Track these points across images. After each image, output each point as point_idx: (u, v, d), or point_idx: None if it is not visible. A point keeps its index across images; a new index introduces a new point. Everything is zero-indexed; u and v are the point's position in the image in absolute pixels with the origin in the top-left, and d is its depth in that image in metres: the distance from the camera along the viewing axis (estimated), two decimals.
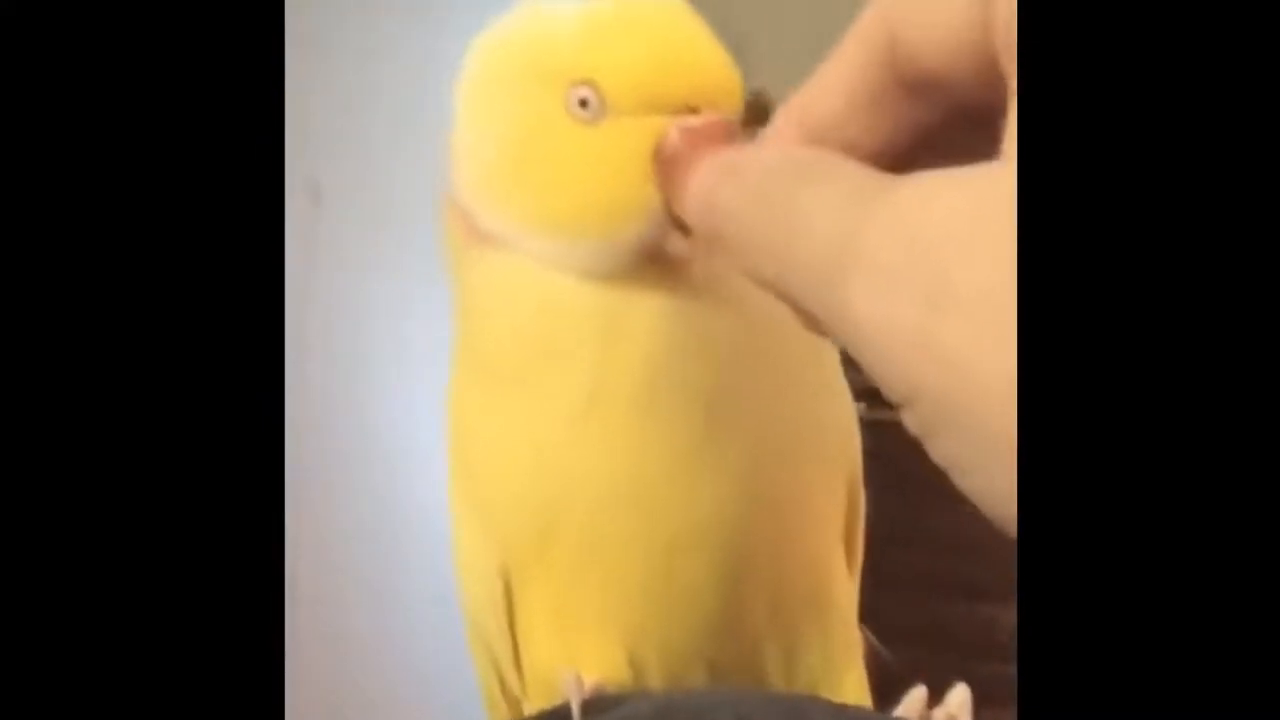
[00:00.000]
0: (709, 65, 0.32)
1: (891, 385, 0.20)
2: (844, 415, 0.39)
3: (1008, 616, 1.38)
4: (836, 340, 0.21)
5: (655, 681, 0.37)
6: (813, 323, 0.22)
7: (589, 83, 0.31)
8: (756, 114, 0.32)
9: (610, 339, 0.33)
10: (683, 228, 0.31)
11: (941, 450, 0.20)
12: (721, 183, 0.24)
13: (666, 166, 0.31)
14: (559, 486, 0.35)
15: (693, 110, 0.31)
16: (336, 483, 1.76)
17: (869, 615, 0.42)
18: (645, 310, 0.33)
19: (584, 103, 0.31)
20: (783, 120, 0.25)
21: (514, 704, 0.41)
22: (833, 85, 0.24)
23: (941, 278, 0.19)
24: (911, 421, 0.20)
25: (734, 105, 0.32)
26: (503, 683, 0.41)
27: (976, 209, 0.19)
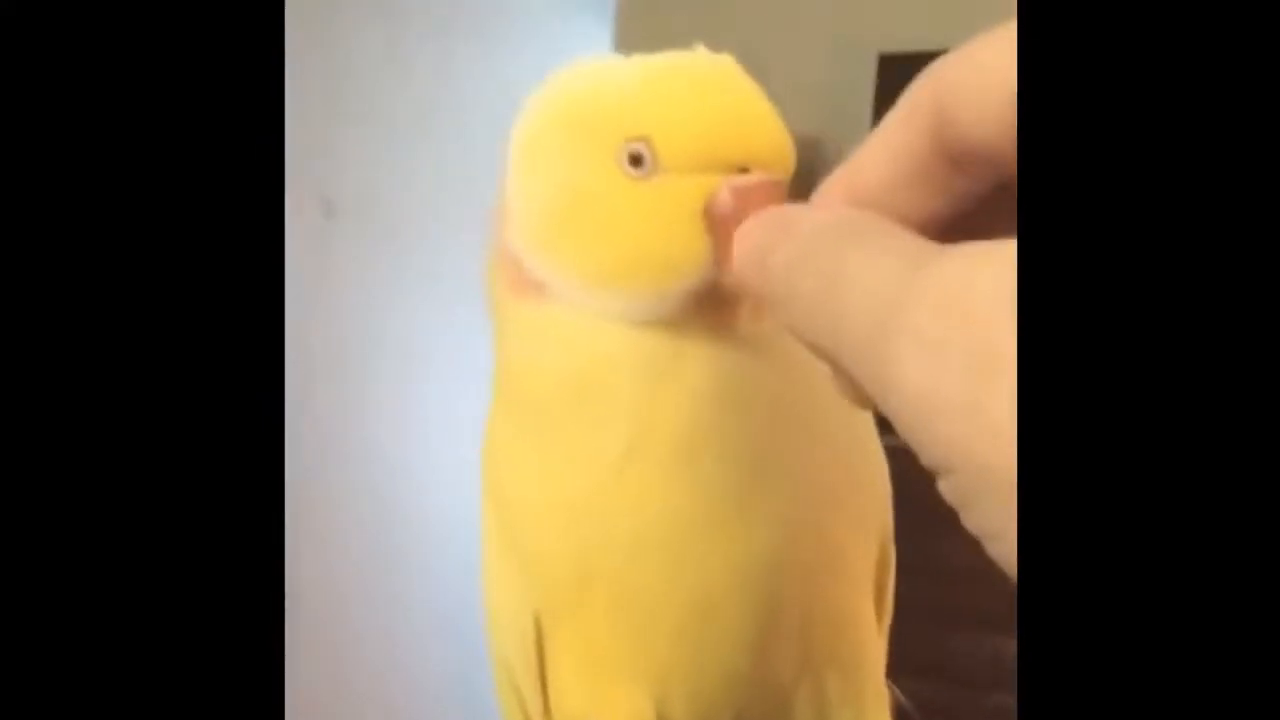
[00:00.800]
0: (761, 125, 0.32)
1: (933, 453, 0.20)
2: (878, 474, 0.39)
3: (1014, 647, 1.38)
4: (880, 407, 0.21)
5: None
6: (855, 388, 0.22)
7: (642, 139, 0.32)
8: (805, 154, 0.32)
9: (653, 389, 0.33)
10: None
11: (977, 520, 0.20)
12: (773, 241, 0.24)
13: (717, 225, 0.31)
14: (594, 535, 0.35)
15: (743, 170, 0.31)
16: (340, 494, 1.77)
17: None
18: (690, 361, 0.33)
19: (637, 159, 0.32)
20: (830, 187, 0.25)
21: None
22: (881, 154, 0.24)
23: (988, 347, 0.19)
24: (949, 489, 0.20)
25: (785, 165, 0.32)
26: None
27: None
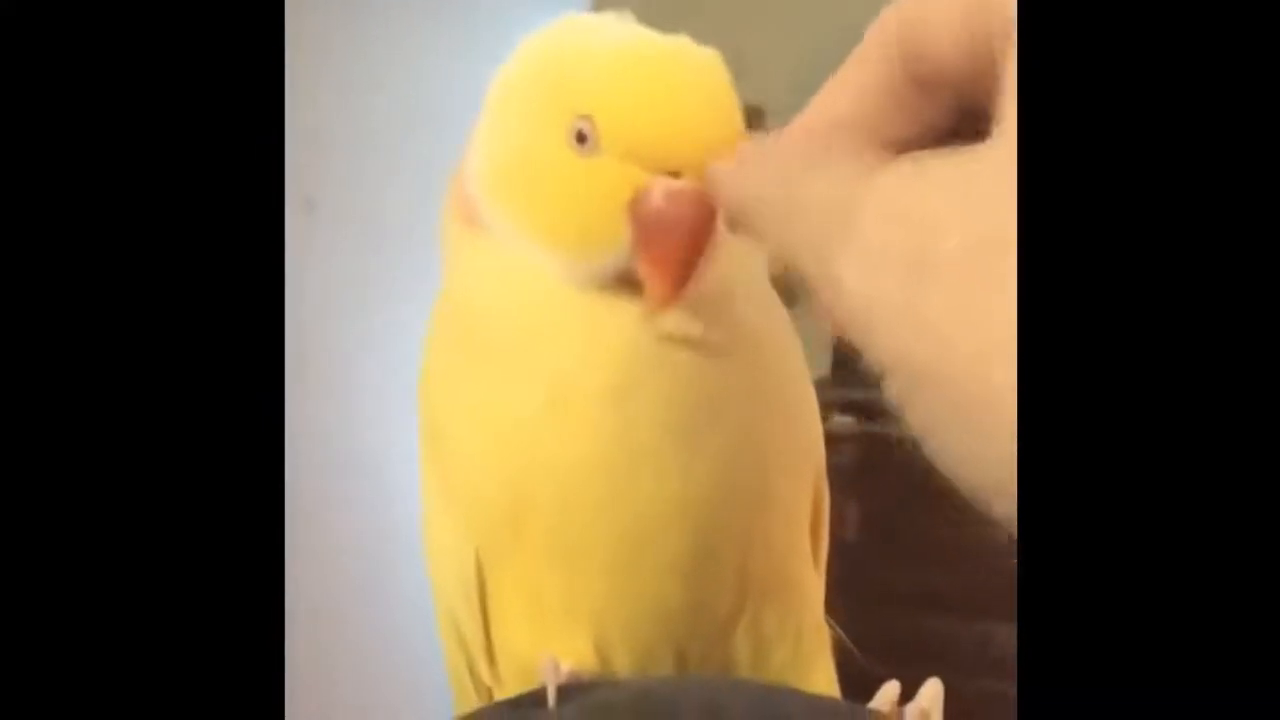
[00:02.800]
0: (707, 135, 0.32)
1: (875, 355, 0.21)
2: (810, 418, 0.41)
3: (1001, 632, 1.38)
4: (828, 312, 0.22)
5: (622, 670, 0.38)
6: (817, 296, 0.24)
7: (588, 119, 0.33)
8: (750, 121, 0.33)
9: (590, 334, 0.34)
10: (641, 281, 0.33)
11: (917, 419, 0.21)
12: (738, 171, 0.26)
13: (641, 219, 0.32)
14: (527, 466, 0.36)
15: (674, 174, 0.32)
16: (329, 495, 1.76)
17: (861, 630, 0.42)
18: (625, 314, 0.34)
19: (581, 136, 0.33)
20: (803, 118, 0.26)
21: (484, 692, 0.41)
22: (850, 87, 0.25)
23: (924, 251, 0.20)
24: (891, 391, 0.21)
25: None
26: (473, 670, 0.41)
27: (963, 185, 0.20)
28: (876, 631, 0.42)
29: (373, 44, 1.85)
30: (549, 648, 0.37)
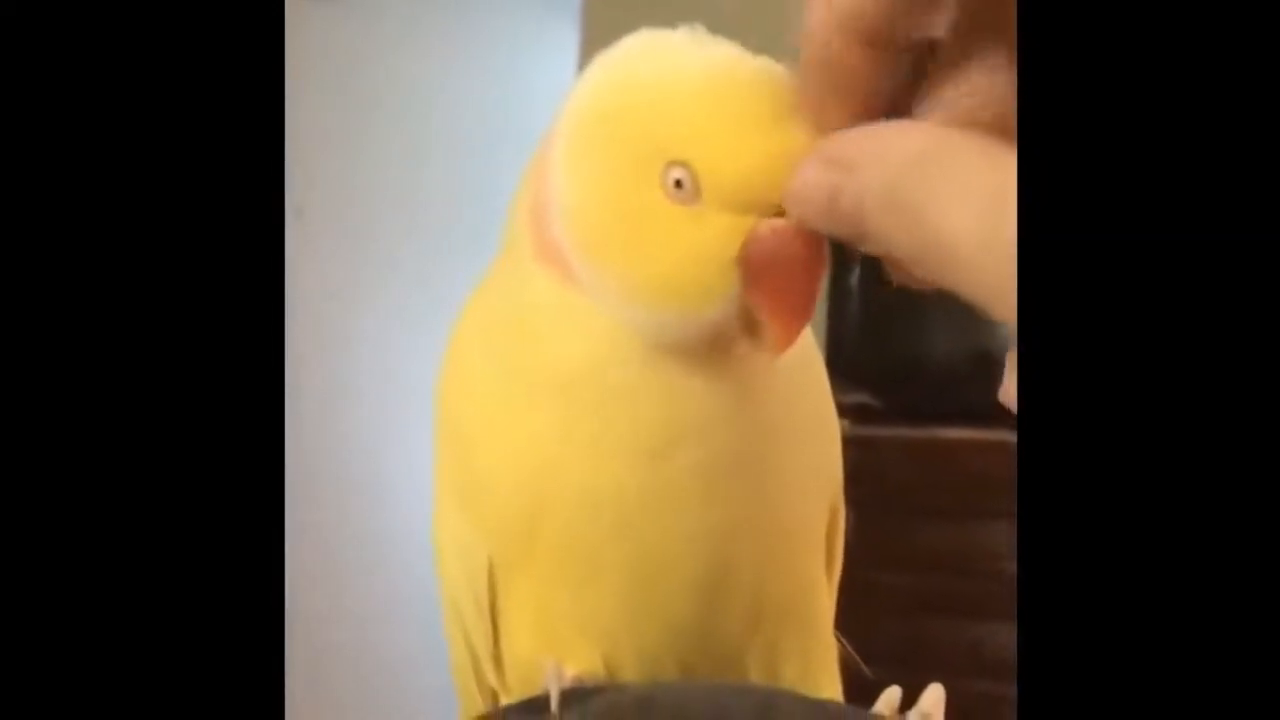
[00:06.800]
0: (799, 163, 0.32)
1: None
2: (832, 443, 0.40)
3: (995, 635, 1.38)
4: (988, 308, 0.23)
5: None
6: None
7: (685, 166, 0.31)
8: None
9: (641, 391, 0.34)
10: (751, 327, 0.32)
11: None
12: (837, 181, 0.26)
13: (757, 266, 0.31)
14: (548, 490, 0.36)
15: (780, 213, 0.31)
16: (324, 499, 1.76)
17: (856, 635, 0.42)
18: (687, 377, 0.34)
19: (679, 183, 0.32)
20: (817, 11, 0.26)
21: (488, 693, 0.41)
22: None
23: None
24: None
25: None
26: (478, 672, 0.41)
27: None
28: (870, 634, 0.42)
29: (365, 53, 1.85)
30: (557, 657, 0.37)
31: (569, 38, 1.90)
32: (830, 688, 0.41)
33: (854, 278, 1.44)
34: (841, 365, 1.35)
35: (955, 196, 0.22)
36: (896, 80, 0.26)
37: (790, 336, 0.32)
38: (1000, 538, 1.36)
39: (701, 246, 0.32)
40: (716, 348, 0.33)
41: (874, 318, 1.46)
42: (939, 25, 0.25)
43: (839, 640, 0.42)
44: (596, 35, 2.08)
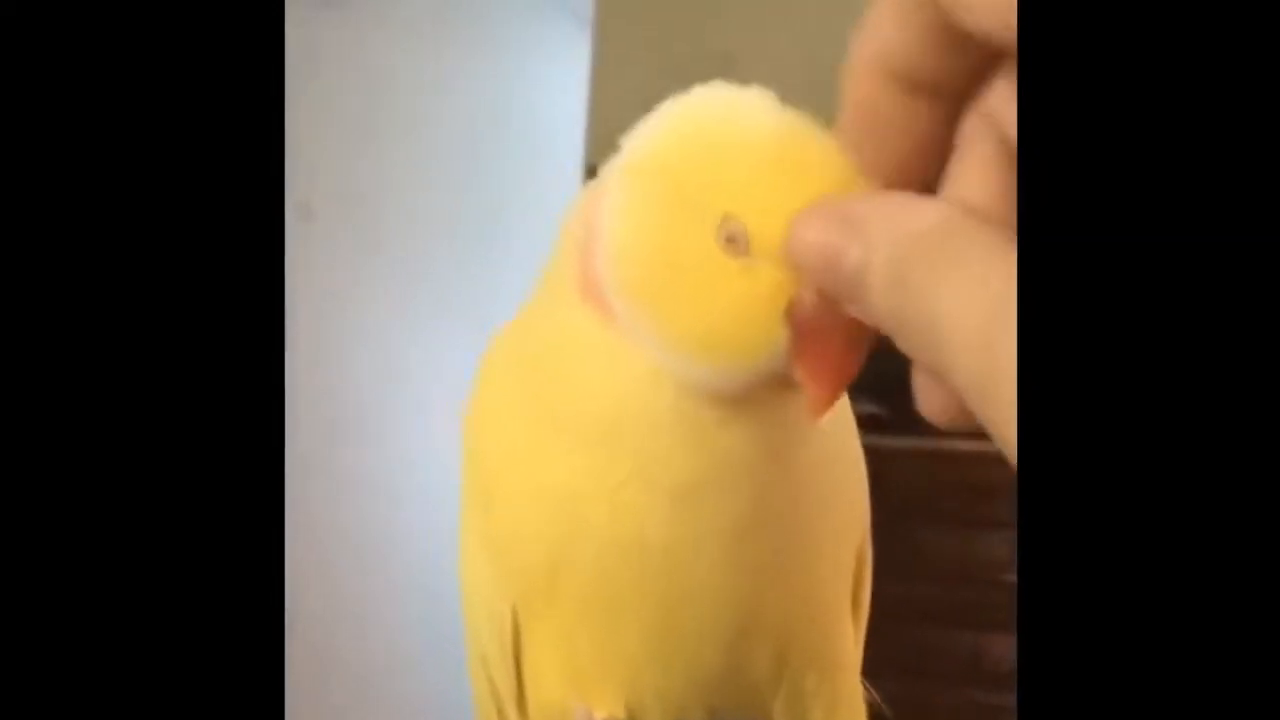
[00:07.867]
0: None
1: None
2: (859, 489, 0.40)
3: (993, 645, 1.38)
4: (979, 411, 0.23)
5: None
6: (943, 392, 0.24)
7: (739, 220, 0.31)
8: None
9: (676, 441, 0.34)
10: (791, 383, 0.32)
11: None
12: (843, 242, 0.26)
13: (801, 327, 0.31)
14: (572, 536, 0.35)
15: None
16: (324, 499, 1.75)
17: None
18: (719, 428, 0.34)
19: (732, 238, 0.31)
20: (856, 62, 0.26)
21: None
22: (887, 27, 0.26)
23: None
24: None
25: None
26: (501, 715, 0.41)
27: None
28: (869, 644, 0.42)
29: (371, 51, 1.85)
30: (581, 701, 0.37)
31: (580, 41, 1.90)
32: None
33: None
34: None
35: (962, 288, 0.22)
36: (934, 131, 0.26)
37: (828, 402, 0.32)
38: (1005, 548, 1.36)
39: (751, 298, 0.31)
40: (753, 399, 0.33)
41: None
42: (964, 72, 0.25)
43: (865, 687, 0.41)
44: (608, 38, 2.08)
